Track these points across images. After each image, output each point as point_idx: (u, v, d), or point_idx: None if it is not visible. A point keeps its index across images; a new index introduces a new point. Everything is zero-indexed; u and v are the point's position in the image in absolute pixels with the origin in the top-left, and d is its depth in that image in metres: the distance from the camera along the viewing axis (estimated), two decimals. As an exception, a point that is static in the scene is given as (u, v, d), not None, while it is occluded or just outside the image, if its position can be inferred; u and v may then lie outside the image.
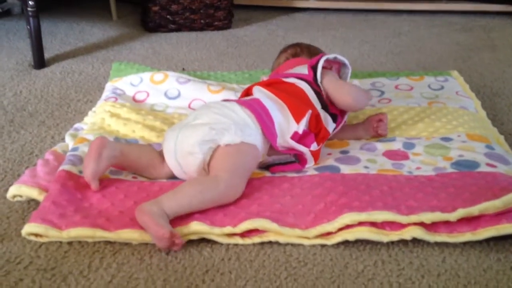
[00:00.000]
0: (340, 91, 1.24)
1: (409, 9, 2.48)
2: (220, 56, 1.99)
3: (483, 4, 2.42)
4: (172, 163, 1.14)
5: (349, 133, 1.32)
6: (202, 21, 2.25)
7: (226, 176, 1.06)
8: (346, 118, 1.30)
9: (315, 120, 1.21)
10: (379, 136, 1.30)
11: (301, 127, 1.18)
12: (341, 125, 1.28)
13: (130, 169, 1.17)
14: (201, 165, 1.11)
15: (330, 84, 1.25)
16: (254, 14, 2.44)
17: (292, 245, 1.00)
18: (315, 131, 1.21)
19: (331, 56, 1.29)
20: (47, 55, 1.86)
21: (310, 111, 1.20)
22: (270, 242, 1.01)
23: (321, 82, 1.25)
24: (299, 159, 1.18)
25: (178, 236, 0.98)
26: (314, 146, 1.19)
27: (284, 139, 1.18)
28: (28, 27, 1.78)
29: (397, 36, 2.22)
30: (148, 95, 1.48)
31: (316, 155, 1.19)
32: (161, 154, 1.17)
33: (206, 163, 1.11)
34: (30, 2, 1.74)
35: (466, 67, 1.88)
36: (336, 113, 1.26)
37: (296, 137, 1.18)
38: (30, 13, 1.76)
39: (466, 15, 2.45)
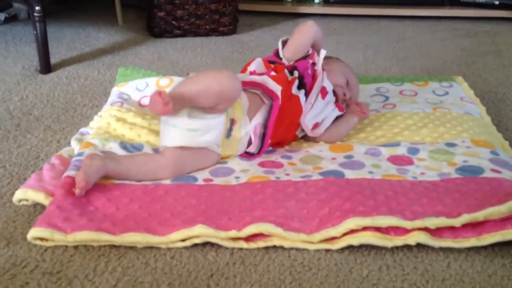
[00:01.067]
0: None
1: (413, 15, 2.48)
2: (225, 61, 2.00)
3: (487, 10, 2.43)
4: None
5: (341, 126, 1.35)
6: (207, 26, 2.26)
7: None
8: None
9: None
10: (363, 116, 1.36)
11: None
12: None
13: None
14: None
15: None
16: (259, 19, 2.45)
17: (297, 249, 1.00)
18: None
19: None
20: (53, 60, 1.87)
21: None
22: (274, 247, 1.01)
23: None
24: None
25: None
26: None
27: None
28: (35, 32, 1.79)
29: (401, 42, 2.22)
30: (153, 99, 1.49)
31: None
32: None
33: None
34: (37, 7, 1.76)
35: (471, 72, 1.88)
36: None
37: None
38: (36, 18, 1.77)
39: (470, 20, 2.45)
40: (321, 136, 1.34)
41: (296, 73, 1.32)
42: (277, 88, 1.25)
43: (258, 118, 1.25)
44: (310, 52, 1.38)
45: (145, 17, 2.39)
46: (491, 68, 1.93)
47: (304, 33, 1.38)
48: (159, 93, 1.13)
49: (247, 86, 1.26)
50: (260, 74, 1.30)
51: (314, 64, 1.36)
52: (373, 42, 2.22)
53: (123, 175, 1.16)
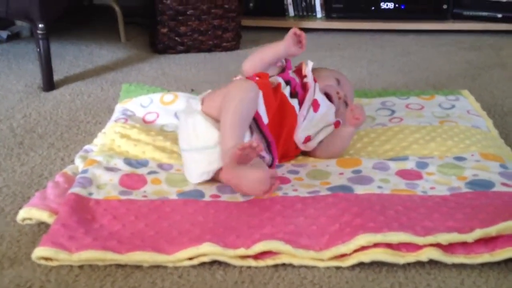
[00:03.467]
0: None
1: (416, 28, 2.48)
2: (228, 77, 1.97)
3: (490, 23, 2.43)
4: None
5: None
6: (210, 42, 2.26)
7: None
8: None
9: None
10: (357, 122, 1.26)
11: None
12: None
13: None
14: None
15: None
16: (262, 35, 2.45)
17: (307, 267, 0.98)
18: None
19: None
20: (56, 77, 1.87)
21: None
22: (284, 264, 0.99)
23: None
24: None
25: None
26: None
27: None
28: (38, 50, 1.79)
29: (406, 56, 2.21)
30: (158, 116, 1.48)
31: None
32: None
33: None
34: (40, 25, 1.76)
35: (476, 85, 1.87)
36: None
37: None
38: (40, 36, 1.77)
39: (474, 34, 2.45)
40: (318, 153, 1.32)
41: (279, 79, 1.31)
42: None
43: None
44: (285, 63, 1.37)
45: (147, 34, 2.39)
46: (497, 81, 1.92)
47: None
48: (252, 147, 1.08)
49: None
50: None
51: (303, 76, 1.36)
52: (377, 56, 2.21)
53: None
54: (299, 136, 1.30)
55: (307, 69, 1.36)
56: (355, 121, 1.27)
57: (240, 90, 1.18)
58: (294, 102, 1.29)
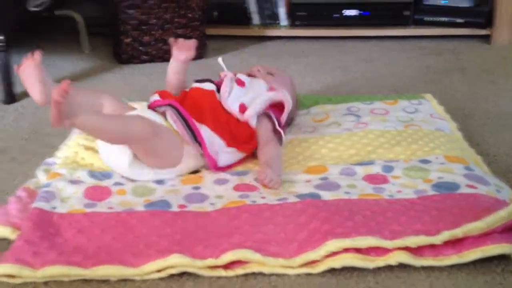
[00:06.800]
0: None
1: (379, 35, 2.52)
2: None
3: (450, 28, 2.48)
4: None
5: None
6: (175, 51, 2.24)
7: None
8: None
9: None
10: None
11: None
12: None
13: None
14: None
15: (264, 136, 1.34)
16: (226, 43, 2.44)
17: (277, 275, 0.98)
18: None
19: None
20: (17, 89, 1.82)
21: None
22: (254, 273, 0.98)
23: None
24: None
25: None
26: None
27: None
28: (-3, 62, 1.74)
29: (369, 61, 2.24)
30: (123, 127, 1.45)
31: None
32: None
33: None
34: (0, 37, 1.72)
35: (438, 89, 1.90)
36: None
37: None
38: (-1, 48, 1.73)
39: (435, 39, 2.50)
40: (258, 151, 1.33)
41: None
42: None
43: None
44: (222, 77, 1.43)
45: (111, 44, 2.36)
46: (457, 85, 1.97)
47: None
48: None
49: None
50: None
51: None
52: (341, 63, 2.24)
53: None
54: (232, 107, 1.34)
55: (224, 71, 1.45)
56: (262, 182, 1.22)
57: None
58: (210, 86, 1.38)
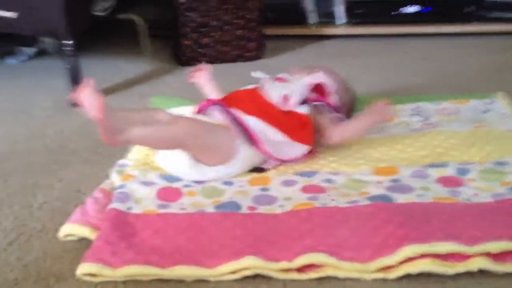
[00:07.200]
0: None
1: (440, 32, 2.46)
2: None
3: (515, 24, 2.40)
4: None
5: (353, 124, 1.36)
6: (233, 52, 2.26)
7: None
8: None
9: None
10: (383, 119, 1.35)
11: None
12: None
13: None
14: None
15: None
16: (284, 43, 2.45)
17: (352, 279, 0.97)
18: None
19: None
20: (84, 92, 1.88)
21: None
22: (328, 277, 0.98)
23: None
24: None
25: None
26: None
27: None
28: (67, 66, 1.80)
29: (431, 60, 2.19)
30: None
31: None
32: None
33: None
34: (68, 42, 1.78)
35: (504, 88, 1.84)
36: None
37: None
38: (68, 53, 1.79)
39: (499, 36, 2.42)
40: (328, 132, 1.35)
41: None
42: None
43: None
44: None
45: (170, 46, 2.40)
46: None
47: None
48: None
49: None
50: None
51: None
52: (401, 61, 2.20)
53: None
54: (275, 99, 1.37)
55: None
56: (376, 114, 1.34)
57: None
58: (253, 86, 1.44)
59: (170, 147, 1.25)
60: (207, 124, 1.28)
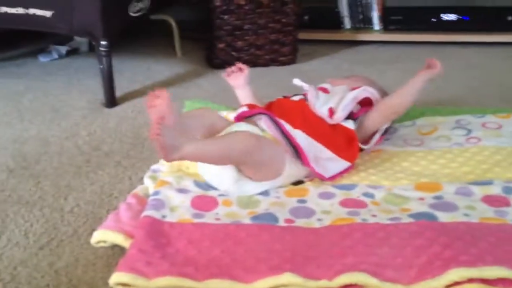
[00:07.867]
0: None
1: (480, 40, 2.39)
2: (286, 91, 1.95)
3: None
4: None
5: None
6: (267, 56, 2.23)
7: None
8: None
9: None
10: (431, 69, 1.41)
11: None
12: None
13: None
14: None
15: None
16: (318, 48, 2.41)
17: (395, 301, 0.93)
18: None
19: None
20: (117, 93, 1.87)
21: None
22: (369, 297, 0.94)
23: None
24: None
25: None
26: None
27: None
28: (101, 66, 1.79)
29: (471, 69, 2.13)
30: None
31: None
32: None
33: None
34: (103, 42, 1.76)
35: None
36: None
37: None
38: (103, 53, 1.77)
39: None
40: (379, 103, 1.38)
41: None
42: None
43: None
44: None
45: (202, 48, 2.38)
46: None
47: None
48: None
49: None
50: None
51: None
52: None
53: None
54: (322, 112, 1.34)
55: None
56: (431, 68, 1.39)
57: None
58: (298, 97, 1.40)
59: (225, 162, 1.20)
60: (261, 140, 1.22)
